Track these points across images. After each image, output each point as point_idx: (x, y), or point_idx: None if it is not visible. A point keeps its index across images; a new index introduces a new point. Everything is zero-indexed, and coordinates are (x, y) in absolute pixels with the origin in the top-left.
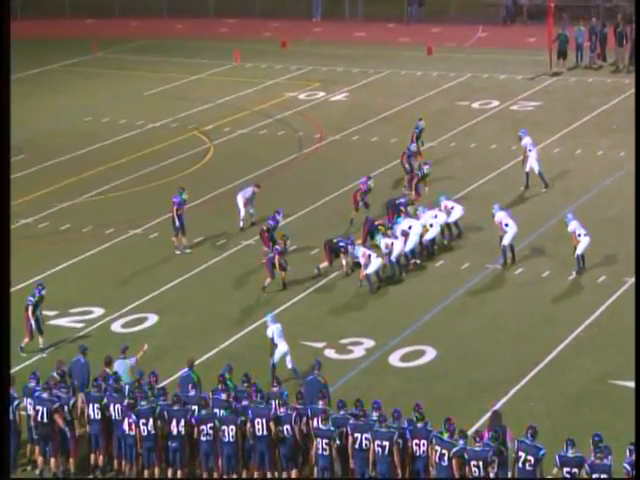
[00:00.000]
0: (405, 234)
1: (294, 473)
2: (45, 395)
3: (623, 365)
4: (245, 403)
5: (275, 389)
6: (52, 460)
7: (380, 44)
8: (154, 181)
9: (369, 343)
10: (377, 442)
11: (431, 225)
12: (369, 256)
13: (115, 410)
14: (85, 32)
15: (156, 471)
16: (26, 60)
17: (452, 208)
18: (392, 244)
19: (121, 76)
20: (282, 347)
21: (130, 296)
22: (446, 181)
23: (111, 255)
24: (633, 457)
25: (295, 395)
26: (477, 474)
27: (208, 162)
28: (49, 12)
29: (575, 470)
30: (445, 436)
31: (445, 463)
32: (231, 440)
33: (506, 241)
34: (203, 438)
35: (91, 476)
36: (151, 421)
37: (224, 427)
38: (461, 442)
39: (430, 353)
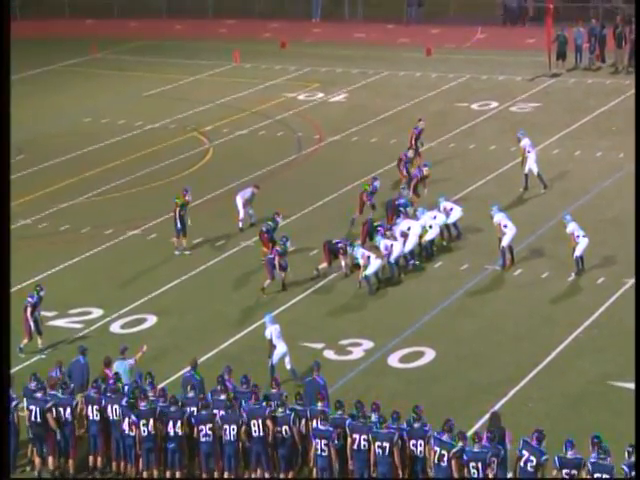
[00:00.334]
0: (404, 235)
1: (292, 474)
2: (39, 395)
3: (622, 366)
4: (243, 404)
5: (274, 390)
6: (49, 460)
7: (379, 45)
8: (153, 182)
9: (368, 344)
10: (377, 443)
11: (430, 226)
12: (368, 257)
13: (113, 411)
14: (84, 33)
15: (155, 473)
16: (25, 60)
17: (451, 209)
18: (391, 246)
19: (120, 77)
20: (281, 348)
21: (129, 297)
22: (445, 182)
23: (110, 256)
24: (632, 459)
25: (294, 396)
26: (476, 475)
27: (207, 163)
28: (48, 12)
29: (574, 472)
30: (445, 436)
31: (445, 464)
32: (232, 440)
33: (505, 242)
34: (203, 439)
35: (90, 477)
36: (151, 422)
37: (225, 426)
38: (460, 442)
39: (429, 354)
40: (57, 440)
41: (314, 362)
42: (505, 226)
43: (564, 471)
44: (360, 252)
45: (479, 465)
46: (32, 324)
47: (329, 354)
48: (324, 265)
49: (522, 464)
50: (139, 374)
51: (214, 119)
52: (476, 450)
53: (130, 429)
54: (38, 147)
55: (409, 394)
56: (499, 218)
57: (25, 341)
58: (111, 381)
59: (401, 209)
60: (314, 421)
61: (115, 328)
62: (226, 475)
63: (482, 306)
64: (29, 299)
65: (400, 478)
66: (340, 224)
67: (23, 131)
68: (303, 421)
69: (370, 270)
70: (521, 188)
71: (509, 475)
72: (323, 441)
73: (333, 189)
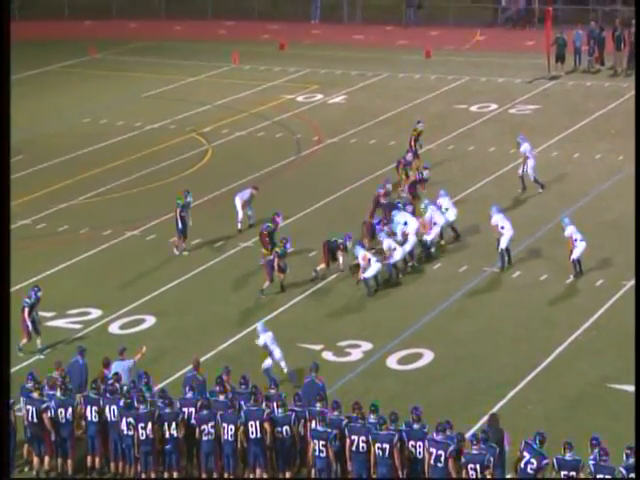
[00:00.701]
0: (405, 235)
1: (290, 475)
2: (35, 395)
3: (621, 369)
4: (242, 405)
5: (273, 391)
6: (45, 460)
7: (378, 47)
8: (152, 183)
9: (367, 346)
10: (377, 445)
11: (446, 209)
12: (369, 260)
13: (111, 412)
14: (83, 33)
15: (152, 475)
16: (24, 61)
17: (446, 209)
18: (394, 249)
19: (119, 78)
20: (277, 353)
21: (128, 297)
22: (444, 184)
23: (109, 256)
24: (630, 461)
25: (293, 397)
26: (474, 477)
27: (206, 164)
28: (47, 13)
29: (573, 473)
30: (440, 437)
31: (442, 464)
32: (230, 439)
33: (503, 244)
34: (205, 438)
35: (88, 477)
36: (150, 425)
37: (224, 424)
38: (455, 442)
39: (428, 356)
40: (52, 441)
41: (312, 363)
42: (502, 227)
43: (562, 472)
44: (361, 253)
45: (477, 467)
46: (30, 324)
47: (328, 355)
48: (322, 266)
49: (522, 465)
50: (139, 374)
51: (213, 120)
52: (474, 452)
53: (128, 429)
54: (37, 148)
55: (407, 396)
56: (497, 219)
57: (24, 341)
58: (110, 381)
59: (399, 205)
60: (312, 422)
61: (114, 329)
62: (225, 475)
63: (481, 308)
64: (26, 300)
65: (400, 479)
66: (339, 225)
67: (22, 132)
68: (302, 422)
69: (370, 273)
70: (519, 189)
71: (508, 476)
72: (321, 442)
73: (332, 190)
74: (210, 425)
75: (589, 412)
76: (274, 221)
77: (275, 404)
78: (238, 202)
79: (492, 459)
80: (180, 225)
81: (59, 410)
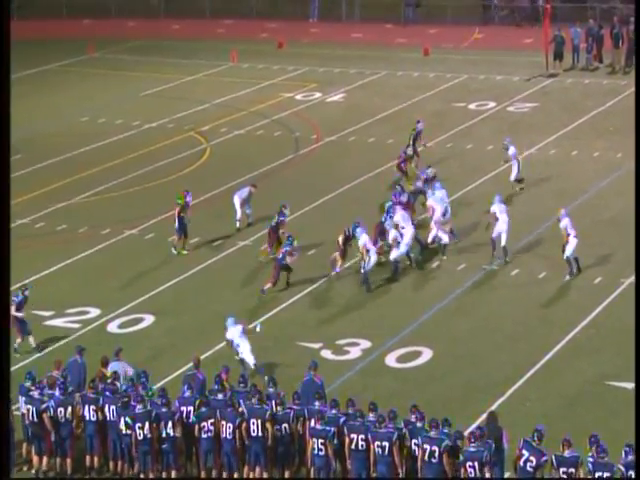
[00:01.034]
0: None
1: (289, 473)
2: (35, 394)
3: (620, 366)
4: (241, 403)
5: (271, 390)
6: (44, 459)
7: (377, 45)
8: (150, 182)
9: (365, 344)
10: (377, 443)
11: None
12: (368, 251)
13: (110, 411)
14: (82, 32)
15: (151, 475)
16: (22, 60)
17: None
18: (399, 244)
19: (118, 76)
20: (246, 345)
21: (126, 297)
22: (442, 182)
23: (107, 256)
24: (629, 458)
25: (292, 396)
26: (473, 475)
27: (205, 163)
28: (46, 12)
29: (572, 470)
30: (433, 433)
31: (436, 460)
32: (229, 437)
33: (494, 234)
34: (204, 435)
35: (87, 477)
36: (147, 425)
37: (223, 422)
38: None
39: (426, 354)
40: (52, 440)
41: (311, 362)
42: (497, 218)
43: (561, 470)
44: (363, 240)
45: (476, 464)
46: (18, 324)
47: (326, 354)
48: (335, 255)
49: (521, 463)
50: (137, 374)
51: (212, 119)
52: (472, 450)
53: (127, 429)
54: (35, 147)
55: (406, 394)
56: (495, 208)
57: (18, 341)
58: (109, 381)
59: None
60: (311, 420)
61: (112, 328)
62: (224, 473)
63: (479, 306)
64: (14, 299)
65: (399, 477)
66: (338, 225)
67: (20, 131)
68: (300, 420)
69: (368, 265)
70: (517, 188)
71: (507, 474)
72: (320, 440)
73: (330, 189)
74: (210, 422)
75: (588, 410)
76: (282, 214)
77: (274, 403)
78: (237, 201)
79: (488, 455)
80: (177, 224)
81: (59, 409)
